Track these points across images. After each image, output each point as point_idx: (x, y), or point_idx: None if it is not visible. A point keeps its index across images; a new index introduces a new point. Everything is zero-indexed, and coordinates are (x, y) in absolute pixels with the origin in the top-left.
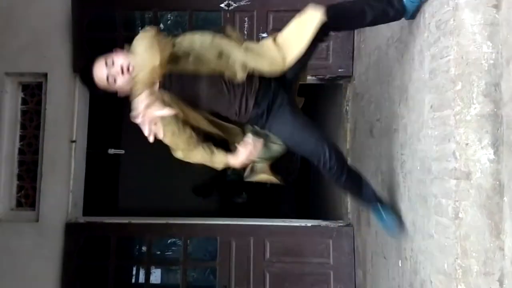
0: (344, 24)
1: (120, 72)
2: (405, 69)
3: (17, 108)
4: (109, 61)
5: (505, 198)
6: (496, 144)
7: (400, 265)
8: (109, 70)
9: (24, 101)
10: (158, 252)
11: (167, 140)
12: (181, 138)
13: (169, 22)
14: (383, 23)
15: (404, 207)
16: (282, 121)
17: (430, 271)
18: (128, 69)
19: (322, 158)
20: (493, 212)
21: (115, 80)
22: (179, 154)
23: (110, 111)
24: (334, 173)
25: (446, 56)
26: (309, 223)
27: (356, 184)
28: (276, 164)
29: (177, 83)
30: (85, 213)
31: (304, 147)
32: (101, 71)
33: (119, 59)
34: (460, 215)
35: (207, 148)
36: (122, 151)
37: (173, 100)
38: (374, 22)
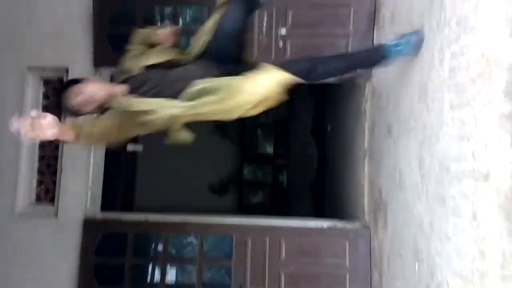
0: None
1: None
2: (424, 67)
3: (38, 102)
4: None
5: None
6: None
7: (416, 267)
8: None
9: (45, 96)
10: (174, 251)
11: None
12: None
13: (188, 17)
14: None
15: (422, 207)
16: None
17: (446, 273)
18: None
19: None
20: None
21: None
22: None
23: None
24: None
25: (466, 54)
26: (325, 223)
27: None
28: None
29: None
30: (102, 209)
31: None
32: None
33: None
34: (478, 216)
35: None
36: (141, 147)
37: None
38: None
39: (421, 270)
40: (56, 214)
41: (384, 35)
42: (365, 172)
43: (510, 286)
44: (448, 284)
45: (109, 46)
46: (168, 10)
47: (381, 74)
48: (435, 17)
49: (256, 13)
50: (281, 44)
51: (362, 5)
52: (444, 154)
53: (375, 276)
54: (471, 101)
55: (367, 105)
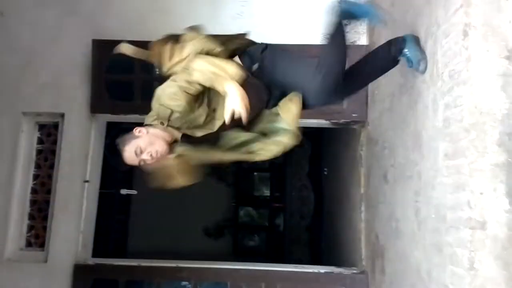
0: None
1: (150, 159)
2: (418, 117)
3: (32, 147)
4: (138, 150)
5: None
6: (511, 194)
7: None
8: (140, 157)
9: (39, 141)
10: None
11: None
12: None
13: None
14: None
15: (419, 255)
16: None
17: None
18: (157, 155)
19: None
20: (509, 263)
21: (145, 162)
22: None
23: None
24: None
25: (460, 106)
26: (322, 269)
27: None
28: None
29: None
30: (94, 254)
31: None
32: (131, 159)
33: (148, 147)
34: (475, 265)
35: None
36: (135, 192)
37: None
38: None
39: None
40: (46, 260)
41: (379, 84)
42: (362, 217)
43: None
44: None
45: (106, 93)
46: None
47: (376, 121)
48: (428, 70)
49: None
50: None
51: (357, 55)
52: (440, 202)
53: None
54: (465, 151)
55: (363, 151)
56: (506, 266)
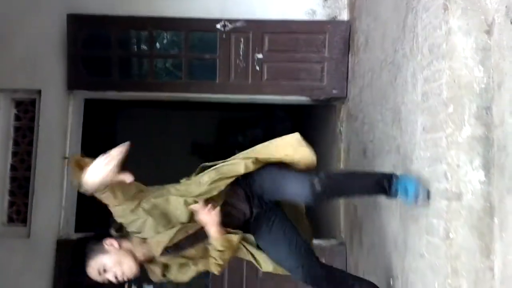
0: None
1: (115, 280)
2: (398, 91)
3: (9, 124)
4: (101, 269)
5: (495, 220)
6: (487, 166)
7: (391, 284)
8: (103, 276)
9: (17, 118)
10: None
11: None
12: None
13: (165, 41)
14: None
15: (396, 225)
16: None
17: None
18: (123, 277)
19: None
20: (484, 233)
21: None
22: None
23: (103, 127)
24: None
25: (439, 80)
26: None
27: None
28: None
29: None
30: (77, 229)
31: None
32: (94, 276)
33: (114, 267)
34: (451, 235)
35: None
36: None
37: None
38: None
39: (396, 287)
40: (28, 235)
41: (359, 60)
42: None
43: None
44: None
45: (83, 69)
46: (144, 34)
47: (356, 97)
48: (407, 44)
49: (233, 38)
50: (257, 68)
51: (337, 31)
52: (418, 175)
53: None
54: (443, 124)
55: (343, 127)
56: (481, 236)
